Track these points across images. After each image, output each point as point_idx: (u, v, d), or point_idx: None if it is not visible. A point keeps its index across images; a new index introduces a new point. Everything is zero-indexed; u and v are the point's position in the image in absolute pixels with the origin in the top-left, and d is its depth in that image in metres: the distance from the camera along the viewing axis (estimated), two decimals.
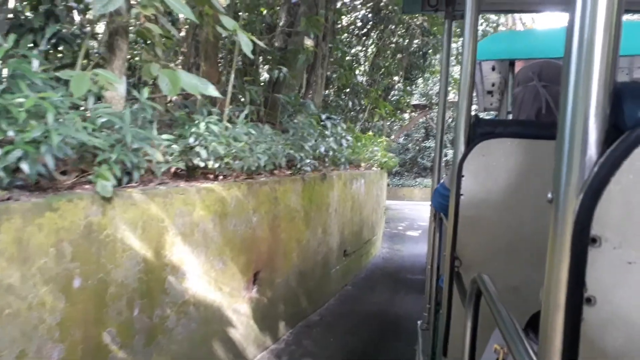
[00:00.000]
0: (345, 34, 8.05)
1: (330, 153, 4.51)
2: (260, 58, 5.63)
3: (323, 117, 5.45)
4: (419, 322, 2.87)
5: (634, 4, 2.19)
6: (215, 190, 2.60)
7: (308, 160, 3.66)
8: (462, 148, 1.56)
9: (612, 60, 0.55)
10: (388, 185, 24.87)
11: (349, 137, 5.51)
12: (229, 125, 3.02)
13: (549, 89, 1.67)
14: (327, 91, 7.62)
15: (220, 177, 2.85)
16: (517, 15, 11.74)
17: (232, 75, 3.96)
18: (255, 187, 2.97)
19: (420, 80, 18.14)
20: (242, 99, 4.47)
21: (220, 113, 3.16)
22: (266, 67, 5.47)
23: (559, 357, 0.55)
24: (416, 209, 15.23)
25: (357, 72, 7.43)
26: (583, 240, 0.55)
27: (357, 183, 5.25)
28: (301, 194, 3.60)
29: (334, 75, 6.89)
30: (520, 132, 1.40)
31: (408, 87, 11.18)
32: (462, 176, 1.45)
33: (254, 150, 2.97)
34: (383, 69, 8.55)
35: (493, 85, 4.15)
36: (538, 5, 2.48)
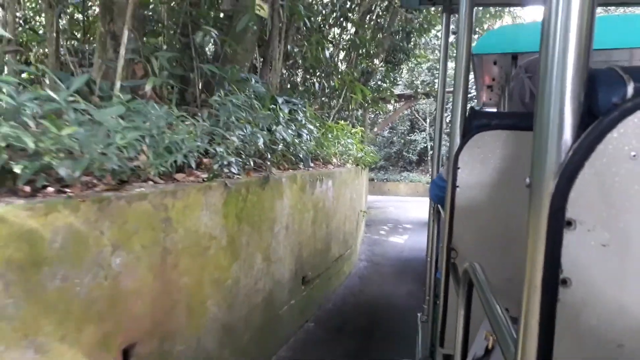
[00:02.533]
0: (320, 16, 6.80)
1: (280, 147, 3.26)
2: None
3: (279, 100, 4.20)
4: (419, 315, 2.86)
5: None
6: (8, 220, 1.34)
7: (233, 159, 2.40)
8: (457, 140, 1.62)
9: (586, 47, 0.56)
10: (372, 180, 23.96)
11: (312, 127, 4.26)
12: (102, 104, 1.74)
13: (533, 80, 1.74)
14: (295, 72, 6.35)
15: (51, 188, 1.59)
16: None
17: (125, 35, 2.68)
18: (116, 206, 1.71)
19: (405, 70, 17.03)
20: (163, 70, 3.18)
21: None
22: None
23: (536, 336, 0.57)
24: (402, 206, 14.08)
25: (329, 49, 6.15)
26: (558, 223, 0.57)
27: (323, 186, 4.02)
28: (221, 209, 2.34)
29: (304, 53, 5.62)
30: (516, 124, 1.42)
31: (391, 74, 9.96)
32: (458, 168, 1.48)
33: (113, 141, 1.70)
34: (361, 49, 7.30)
35: (493, 79, 4.08)
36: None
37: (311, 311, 3.77)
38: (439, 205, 2.13)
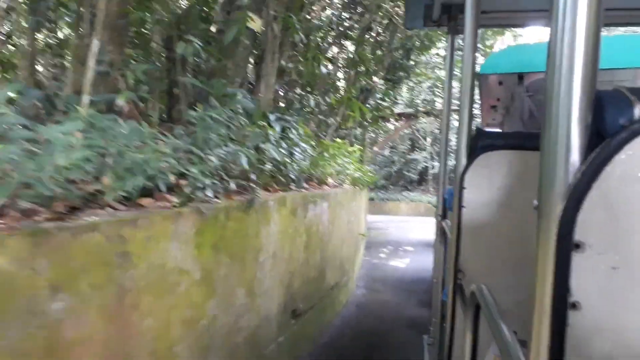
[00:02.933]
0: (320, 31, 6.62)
1: (268, 166, 2.98)
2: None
3: (272, 117, 3.95)
4: (424, 337, 2.82)
5: (613, 18, 2.45)
6: None
7: (208, 181, 2.12)
8: (463, 161, 1.61)
9: (593, 69, 0.56)
10: (372, 199, 23.70)
11: (304, 145, 4.00)
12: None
13: (532, 99, 1.82)
14: (290, 89, 6.12)
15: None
16: None
17: (95, 46, 2.43)
18: (57, 240, 1.42)
19: (405, 88, 16.90)
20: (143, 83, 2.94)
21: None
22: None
23: None
24: (403, 226, 13.75)
25: (326, 65, 5.94)
26: (567, 245, 0.56)
27: (317, 208, 3.72)
28: (194, 238, 2.05)
29: (300, 69, 5.39)
30: (522, 144, 1.41)
31: (391, 92, 9.77)
32: (464, 188, 1.47)
33: (53, 161, 1.42)
34: (360, 66, 7.10)
35: (498, 100, 4.05)
36: (532, 20, 2.63)
37: (303, 347, 3.43)
38: (444, 225, 2.10)
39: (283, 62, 4.86)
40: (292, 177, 3.51)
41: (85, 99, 2.54)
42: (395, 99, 12.90)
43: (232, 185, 2.38)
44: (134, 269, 1.72)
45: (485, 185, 1.47)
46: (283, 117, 4.18)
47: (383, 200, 23.49)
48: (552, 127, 0.58)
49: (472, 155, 1.54)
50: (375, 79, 8.74)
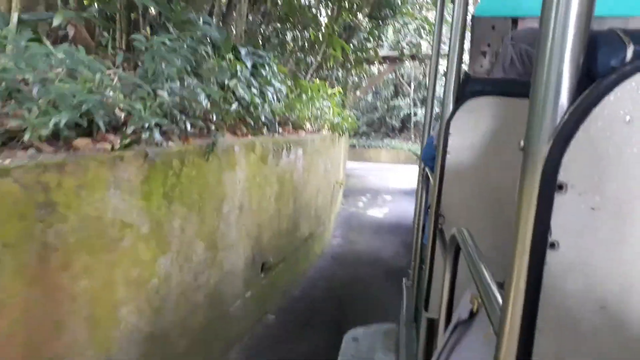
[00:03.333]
0: None
1: (234, 107, 2.64)
2: None
3: (242, 51, 3.54)
4: (404, 279, 2.87)
5: None
6: None
7: (154, 121, 1.78)
8: (450, 106, 1.59)
9: (588, 8, 0.55)
10: (354, 146, 23.48)
11: (279, 85, 3.63)
12: None
13: (515, 47, 1.76)
14: (267, 23, 5.60)
15: None
16: None
17: None
18: None
19: (390, 30, 16.16)
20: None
21: None
22: None
23: (522, 298, 0.57)
24: (383, 175, 13.64)
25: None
26: (550, 186, 0.56)
27: (291, 155, 3.44)
28: (140, 187, 1.75)
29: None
30: (510, 91, 1.40)
31: (376, 31, 9.22)
32: (450, 134, 1.46)
33: None
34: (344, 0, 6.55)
35: (489, 45, 3.76)
36: None
37: (273, 302, 3.27)
38: (427, 171, 2.09)
39: None
40: (264, 120, 3.18)
41: (14, 17, 2.12)
42: (380, 39, 12.32)
43: (188, 126, 2.05)
44: (61, 222, 1.43)
45: (471, 131, 1.46)
46: (256, 52, 3.77)
47: (364, 147, 23.31)
48: (544, 67, 0.57)
49: (460, 101, 1.51)
50: (359, 16, 8.18)
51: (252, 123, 2.95)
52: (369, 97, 25.48)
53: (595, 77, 0.58)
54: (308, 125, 4.51)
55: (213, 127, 2.26)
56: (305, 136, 3.89)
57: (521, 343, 0.58)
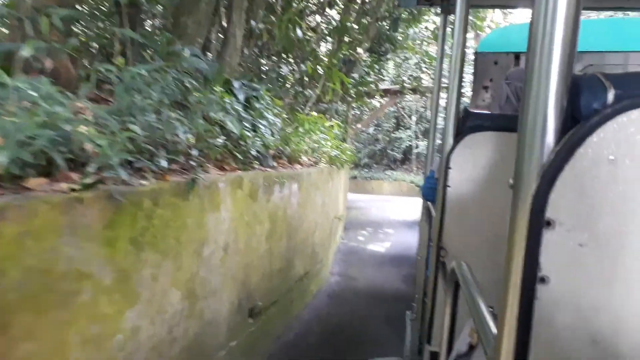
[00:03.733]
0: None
1: (219, 142, 2.48)
2: None
3: (236, 84, 3.43)
4: (407, 313, 2.88)
5: (592, 2, 2.41)
6: None
7: (117, 159, 1.60)
8: (450, 140, 1.64)
9: (570, 54, 0.58)
10: (355, 177, 23.39)
11: (273, 118, 3.50)
12: None
13: (510, 86, 1.87)
14: (264, 56, 5.55)
15: None
16: None
17: None
18: None
19: (391, 65, 16.30)
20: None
21: None
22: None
23: (514, 331, 0.58)
24: (384, 206, 13.42)
25: (303, 28, 5.36)
26: (539, 222, 0.58)
27: (285, 190, 3.25)
28: (103, 233, 1.55)
29: (272, 32, 4.81)
30: (508, 126, 1.43)
31: (376, 65, 9.22)
32: (450, 168, 1.49)
33: None
34: (344, 34, 6.53)
35: (491, 80, 3.93)
36: (521, 1, 2.71)
37: (264, 349, 3.01)
38: (430, 205, 2.12)
39: (254, 23, 4.29)
40: (255, 154, 3.02)
41: None
42: (381, 73, 12.37)
43: (163, 163, 1.87)
44: None
45: (470, 165, 1.49)
46: (250, 86, 3.66)
47: (366, 179, 23.23)
48: (530, 109, 0.59)
49: (459, 135, 1.53)
50: (359, 50, 8.18)
51: (241, 157, 2.78)
52: (371, 130, 25.59)
53: (579, 118, 0.60)
54: (305, 159, 4.36)
55: (193, 163, 2.08)
56: (301, 170, 3.72)
57: None
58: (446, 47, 3.47)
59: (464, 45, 1.71)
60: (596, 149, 0.57)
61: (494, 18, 12.85)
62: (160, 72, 2.21)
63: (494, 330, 0.68)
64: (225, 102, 2.75)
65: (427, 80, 14.12)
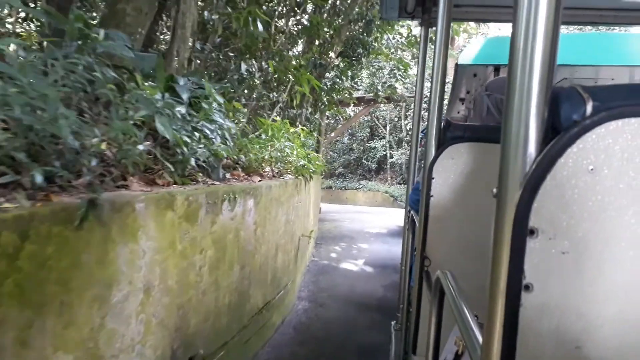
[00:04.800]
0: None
1: (140, 148, 1.92)
2: None
3: (180, 81, 2.90)
4: (392, 323, 2.84)
5: (572, 17, 2.55)
6: None
7: None
8: (433, 151, 1.65)
9: (550, 66, 0.60)
10: (330, 187, 23.04)
11: (226, 122, 2.96)
12: None
13: (491, 97, 1.91)
14: (222, 53, 5.00)
15: None
16: None
17: None
18: None
19: (365, 75, 16.02)
20: None
21: None
22: None
23: (500, 338, 0.59)
24: (359, 218, 12.97)
25: (265, 24, 4.84)
26: (522, 231, 0.59)
27: (236, 208, 2.70)
28: None
29: (228, 23, 4.26)
30: (489, 137, 1.48)
31: (349, 71, 8.80)
32: (433, 178, 1.53)
33: None
34: (314, 34, 6.06)
35: (468, 92, 4.07)
36: (502, 15, 2.67)
37: None
38: (413, 214, 2.12)
39: (207, 14, 3.74)
40: (198, 164, 2.47)
41: None
42: (354, 80, 11.98)
43: (38, 178, 1.31)
44: None
45: (452, 175, 1.53)
46: (199, 83, 3.11)
47: (341, 189, 22.89)
48: (511, 120, 0.61)
49: (441, 146, 1.57)
50: (331, 54, 7.74)
51: (175, 169, 2.23)
52: (345, 139, 25.36)
53: (559, 129, 0.62)
54: (268, 169, 3.82)
55: (88, 178, 1.52)
56: (260, 183, 3.18)
57: None
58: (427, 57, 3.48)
59: (445, 58, 1.71)
60: (576, 159, 0.59)
61: (468, 26, 12.73)
62: (71, 59, 1.65)
63: (480, 338, 0.70)
64: (158, 100, 2.20)
65: (401, 89, 13.83)
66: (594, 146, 0.59)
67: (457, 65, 3.65)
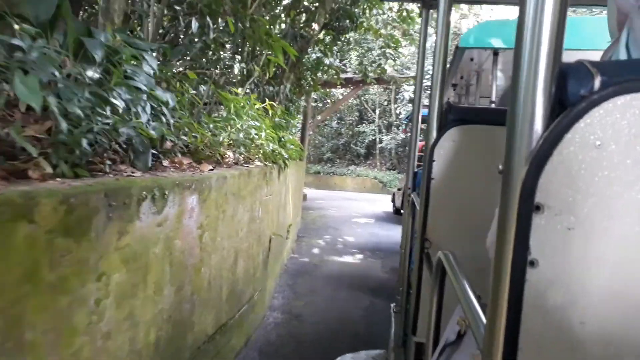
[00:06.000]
0: None
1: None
2: None
3: (100, 36, 2.16)
4: (392, 305, 2.84)
5: None
6: None
7: None
8: (434, 134, 1.66)
9: (558, 42, 0.60)
10: (318, 173, 22.44)
11: (161, 93, 2.21)
12: None
13: None
14: (180, 15, 4.17)
15: None
16: None
17: None
18: None
19: (354, 56, 15.26)
20: None
21: None
22: None
23: (504, 314, 0.60)
24: (346, 205, 12.31)
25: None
26: (528, 207, 0.59)
27: (168, 209, 1.96)
28: None
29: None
30: (490, 119, 1.50)
31: (335, 47, 7.99)
32: (434, 161, 1.54)
33: None
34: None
35: (461, 78, 4.24)
36: None
37: None
38: (414, 197, 2.11)
39: None
40: (113, 147, 1.72)
41: None
42: (342, 62, 11.19)
43: None
44: None
45: (453, 158, 1.53)
46: (136, 44, 2.35)
47: (329, 175, 22.26)
48: (518, 96, 0.61)
49: (442, 128, 1.59)
50: (315, 26, 6.93)
51: (58, 155, 1.47)
52: (334, 123, 24.63)
53: (566, 105, 0.61)
54: (230, 155, 3.07)
55: None
56: (209, 173, 2.43)
57: None
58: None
59: (447, 40, 1.72)
60: (583, 134, 0.58)
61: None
62: None
63: (483, 315, 0.71)
64: (32, 47, 1.43)
65: (391, 70, 13.04)
66: (601, 121, 0.58)
67: (457, 47, 3.55)
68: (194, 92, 2.89)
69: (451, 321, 1.03)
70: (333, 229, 7.98)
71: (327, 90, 13.59)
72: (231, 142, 2.98)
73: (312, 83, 9.52)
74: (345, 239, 7.17)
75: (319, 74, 10.55)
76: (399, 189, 11.20)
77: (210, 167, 2.61)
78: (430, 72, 1.85)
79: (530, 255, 0.59)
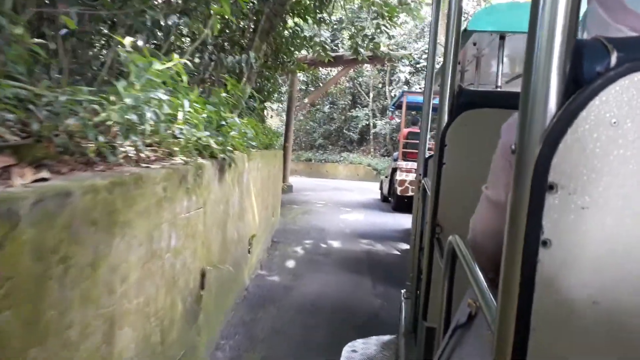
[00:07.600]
0: None
1: None
2: None
3: None
4: (402, 291, 2.84)
5: None
6: None
7: None
8: (445, 118, 1.67)
9: (573, 18, 0.58)
10: (310, 160, 21.15)
11: None
12: None
13: None
14: None
15: None
16: None
17: None
18: None
19: (346, 35, 13.96)
20: None
21: None
22: None
23: (516, 295, 0.59)
24: (337, 199, 11.12)
25: None
26: (541, 186, 0.58)
27: None
28: None
29: None
30: (502, 103, 1.50)
31: (318, 11, 6.71)
32: (445, 145, 1.56)
33: None
34: None
35: (459, 63, 3.81)
36: None
37: None
38: (424, 183, 2.14)
39: None
40: None
41: None
42: (331, 39, 9.87)
43: None
44: None
45: (465, 142, 1.57)
46: None
47: (321, 162, 21.18)
48: (532, 74, 0.60)
49: (454, 113, 1.63)
50: None
51: None
52: (326, 108, 23.41)
53: (581, 83, 0.61)
54: (130, 149, 1.86)
55: None
56: (29, 188, 1.20)
57: (517, 341, 0.59)
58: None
59: (459, 22, 1.70)
60: (598, 112, 0.57)
61: None
62: None
63: (494, 300, 0.72)
64: None
65: (386, 45, 11.70)
66: (617, 98, 0.57)
67: (464, 31, 3.40)
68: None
69: (462, 304, 1.00)
70: (317, 230, 6.79)
71: (315, 69, 12.29)
72: (113, 124, 1.75)
73: (294, 60, 8.24)
74: (330, 244, 5.98)
75: (304, 51, 9.23)
76: (386, 177, 11.14)
77: (42, 176, 1.38)
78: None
79: (543, 235, 0.58)
